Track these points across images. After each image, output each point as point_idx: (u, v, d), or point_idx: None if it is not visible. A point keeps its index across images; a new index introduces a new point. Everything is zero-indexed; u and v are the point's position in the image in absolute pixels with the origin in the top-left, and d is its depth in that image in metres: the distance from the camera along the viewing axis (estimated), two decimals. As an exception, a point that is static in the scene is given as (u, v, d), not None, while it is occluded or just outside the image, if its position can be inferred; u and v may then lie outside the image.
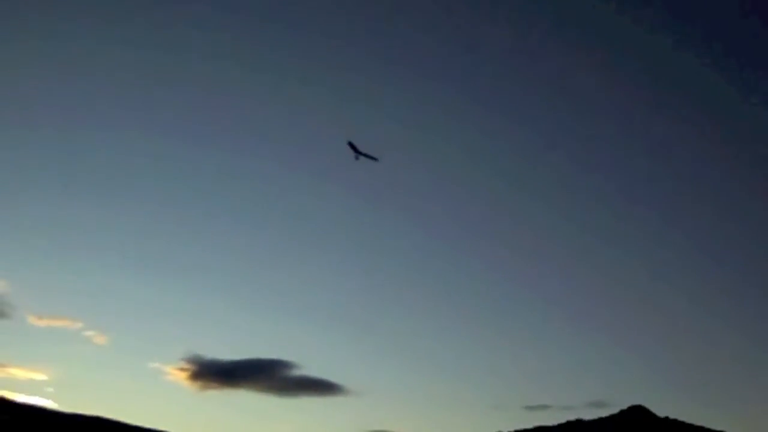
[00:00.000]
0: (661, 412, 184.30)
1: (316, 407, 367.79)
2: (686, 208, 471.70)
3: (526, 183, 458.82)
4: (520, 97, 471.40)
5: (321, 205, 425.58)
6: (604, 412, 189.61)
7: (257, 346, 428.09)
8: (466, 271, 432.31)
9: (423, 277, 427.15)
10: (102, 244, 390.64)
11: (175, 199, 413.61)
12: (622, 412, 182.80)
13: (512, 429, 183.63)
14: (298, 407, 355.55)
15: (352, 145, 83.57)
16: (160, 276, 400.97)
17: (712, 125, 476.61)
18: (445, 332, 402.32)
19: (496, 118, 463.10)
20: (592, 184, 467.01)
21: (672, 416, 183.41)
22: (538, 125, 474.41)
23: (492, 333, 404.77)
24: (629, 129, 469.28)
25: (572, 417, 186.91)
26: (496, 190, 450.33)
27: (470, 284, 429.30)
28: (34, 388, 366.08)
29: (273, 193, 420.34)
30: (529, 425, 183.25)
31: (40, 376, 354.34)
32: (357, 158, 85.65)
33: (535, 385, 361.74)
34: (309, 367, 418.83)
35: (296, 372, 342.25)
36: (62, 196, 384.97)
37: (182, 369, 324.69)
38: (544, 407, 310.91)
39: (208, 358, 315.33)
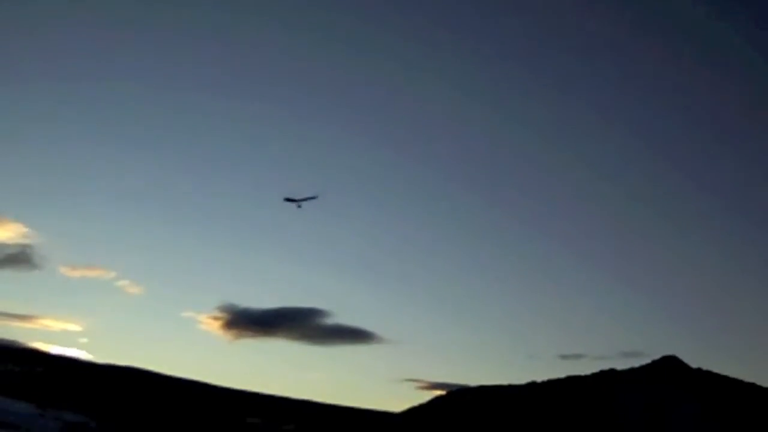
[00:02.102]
0: (693, 363, 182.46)
1: (349, 355, 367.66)
2: (723, 166, 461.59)
3: (563, 138, 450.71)
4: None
5: (352, 153, 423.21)
6: (637, 362, 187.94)
7: (291, 295, 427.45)
8: (501, 221, 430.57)
9: (458, 226, 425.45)
10: (134, 194, 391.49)
11: (205, 148, 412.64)
12: (654, 362, 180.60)
13: (546, 378, 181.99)
14: (331, 355, 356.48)
15: (289, 200, 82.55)
16: (194, 225, 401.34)
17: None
18: (480, 281, 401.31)
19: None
20: (637, 139, 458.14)
21: (705, 367, 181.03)
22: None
23: (527, 282, 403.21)
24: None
25: (605, 367, 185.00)
26: (528, 142, 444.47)
27: (506, 234, 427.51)
28: (68, 339, 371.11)
29: (306, 142, 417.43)
30: (563, 374, 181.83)
31: (73, 327, 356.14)
32: (299, 206, 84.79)
33: (570, 334, 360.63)
34: (342, 316, 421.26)
35: (330, 320, 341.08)
36: (95, 147, 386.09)
37: (216, 318, 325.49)
38: (578, 356, 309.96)
39: (241, 307, 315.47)
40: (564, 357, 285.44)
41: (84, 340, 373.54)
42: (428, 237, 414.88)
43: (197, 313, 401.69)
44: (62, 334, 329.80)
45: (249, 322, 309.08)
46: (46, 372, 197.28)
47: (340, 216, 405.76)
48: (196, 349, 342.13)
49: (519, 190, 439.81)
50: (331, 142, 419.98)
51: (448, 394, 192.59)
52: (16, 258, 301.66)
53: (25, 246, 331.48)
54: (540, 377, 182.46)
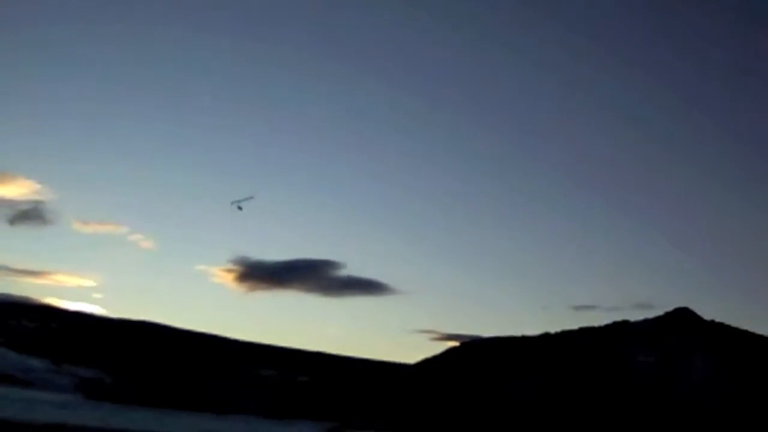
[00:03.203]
0: (707, 315, 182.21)
1: (362, 307, 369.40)
2: (738, 114, 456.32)
3: (573, 79, 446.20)
4: None
5: (364, 103, 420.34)
6: (650, 314, 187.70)
7: (304, 247, 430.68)
8: (515, 171, 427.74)
9: (470, 176, 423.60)
10: (146, 149, 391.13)
11: (215, 99, 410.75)
12: (667, 314, 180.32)
13: (559, 329, 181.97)
14: (344, 307, 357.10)
15: (239, 207, 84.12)
16: (206, 178, 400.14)
17: None
18: (494, 232, 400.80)
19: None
20: (654, 79, 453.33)
21: (718, 320, 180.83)
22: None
23: (541, 233, 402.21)
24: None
25: (618, 318, 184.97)
26: (544, 87, 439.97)
27: (519, 185, 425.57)
28: (82, 294, 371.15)
29: (318, 92, 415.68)
30: (576, 326, 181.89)
31: (86, 283, 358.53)
32: (240, 208, 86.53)
33: (583, 285, 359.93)
34: (356, 267, 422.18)
35: (343, 272, 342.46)
36: (106, 101, 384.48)
37: (229, 271, 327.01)
38: (591, 308, 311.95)
39: (254, 260, 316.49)
40: (577, 308, 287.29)
41: (98, 295, 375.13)
42: (440, 188, 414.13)
43: (210, 267, 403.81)
44: (76, 289, 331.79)
45: (262, 274, 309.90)
46: (59, 328, 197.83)
47: (352, 167, 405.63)
48: (210, 303, 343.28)
49: (531, 136, 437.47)
50: (335, 91, 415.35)
51: (462, 345, 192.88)
52: (28, 214, 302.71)
53: (37, 202, 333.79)
54: (553, 328, 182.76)
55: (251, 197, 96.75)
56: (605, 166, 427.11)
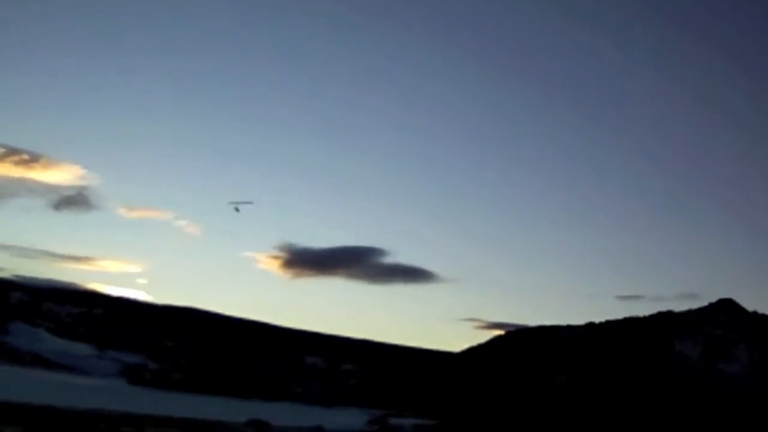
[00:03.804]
0: (750, 306, 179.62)
1: (408, 294, 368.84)
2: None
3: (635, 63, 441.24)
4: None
5: (411, 92, 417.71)
6: (694, 304, 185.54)
7: (350, 234, 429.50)
8: (561, 162, 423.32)
9: (517, 165, 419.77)
10: (191, 135, 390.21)
11: (262, 86, 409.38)
12: (711, 305, 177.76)
13: (604, 319, 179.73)
14: (390, 294, 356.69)
15: (236, 208, 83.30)
16: (253, 164, 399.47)
17: None
18: (540, 221, 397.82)
19: None
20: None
21: (761, 311, 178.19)
22: None
23: (587, 222, 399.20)
24: None
25: (663, 308, 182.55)
26: (588, 79, 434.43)
27: (566, 175, 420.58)
28: (127, 280, 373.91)
29: (367, 81, 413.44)
30: (620, 316, 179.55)
31: (132, 268, 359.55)
32: (237, 210, 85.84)
33: (628, 275, 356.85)
34: (401, 255, 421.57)
35: (389, 259, 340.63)
36: (151, 88, 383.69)
37: (275, 257, 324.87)
38: (636, 297, 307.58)
39: (300, 246, 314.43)
40: (622, 298, 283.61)
41: (143, 281, 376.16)
42: (487, 176, 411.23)
43: (256, 253, 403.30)
44: (121, 275, 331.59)
45: (308, 261, 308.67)
46: (104, 313, 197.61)
47: (399, 154, 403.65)
48: (255, 289, 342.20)
49: (575, 125, 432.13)
50: (385, 79, 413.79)
51: (507, 333, 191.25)
52: (73, 200, 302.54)
53: (82, 188, 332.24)
54: (598, 318, 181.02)
55: (250, 202, 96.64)
56: (651, 156, 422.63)
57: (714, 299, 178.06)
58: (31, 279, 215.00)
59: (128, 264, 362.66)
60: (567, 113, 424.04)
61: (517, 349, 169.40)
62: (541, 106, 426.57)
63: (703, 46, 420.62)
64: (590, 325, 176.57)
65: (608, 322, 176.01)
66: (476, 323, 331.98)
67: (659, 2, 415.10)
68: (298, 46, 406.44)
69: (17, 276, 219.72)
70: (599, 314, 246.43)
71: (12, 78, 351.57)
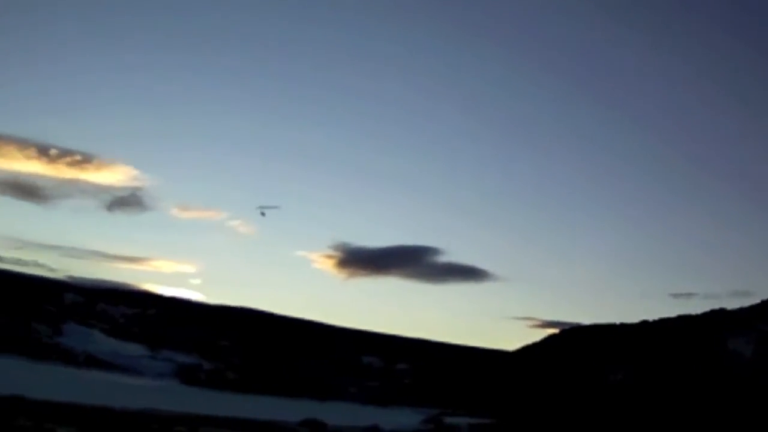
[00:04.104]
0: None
1: (462, 293, 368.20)
2: None
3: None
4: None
5: (465, 91, 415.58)
6: (747, 302, 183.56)
7: (404, 233, 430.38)
8: (611, 158, 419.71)
9: (569, 163, 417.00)
10: (244, 135, 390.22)
11: (317, 85, 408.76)
12: (763, 302, 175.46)
13: (657, 317, 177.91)
14: (444, 293, 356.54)
15: (263, 213, 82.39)
16: (306, 164, 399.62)
17: None
18: (593, 219, 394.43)
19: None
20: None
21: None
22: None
23: (640, 220, 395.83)
24: None
25: (716, 306, 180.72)
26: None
27: (618, 172, 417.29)
28: (180, 280, 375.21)
29: (418, 81, 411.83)
30: (673, 314, 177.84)
31: (185, 269, 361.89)
32: (263, 214, 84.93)
33: (681, 273, 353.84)
34: (456, 254, 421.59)
35: (443, 258, 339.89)
36: (203, 88, 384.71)
37: (329, 257, 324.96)
38: (689, 295, 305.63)
39: (355, 245, 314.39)
40: (675, 296, 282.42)
41: (196, 281, 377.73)
42: (540, 175, 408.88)
43: (310, 252, 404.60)
44: (174, 275, 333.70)
45: (362, 260, 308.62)
46: (158, 314, 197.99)
47: (452, 154, 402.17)
48: (310, 289, 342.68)
49: (630, 126, 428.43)
50: (437, 79, 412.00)
51: (562, 332, 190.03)
52: (126, 201, 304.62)
53: (135, 188, 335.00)
54: (651, 316, 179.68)
55: (277, 206, 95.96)
56: (704, 153, 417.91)
57: (767, 296, 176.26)
58: (85, 280, 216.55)
59: (182, 264, 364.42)
60: (617, 109, 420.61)
61: (572, 347, 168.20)
62: (592, 102, 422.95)
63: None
64: (644, 324, 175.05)
65: (661, 320, 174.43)
66: (531, 322, 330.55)
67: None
68: (351, 45, 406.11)
69: (70, 277, 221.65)
70: (652, 313, 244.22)
71: (63, 79, 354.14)
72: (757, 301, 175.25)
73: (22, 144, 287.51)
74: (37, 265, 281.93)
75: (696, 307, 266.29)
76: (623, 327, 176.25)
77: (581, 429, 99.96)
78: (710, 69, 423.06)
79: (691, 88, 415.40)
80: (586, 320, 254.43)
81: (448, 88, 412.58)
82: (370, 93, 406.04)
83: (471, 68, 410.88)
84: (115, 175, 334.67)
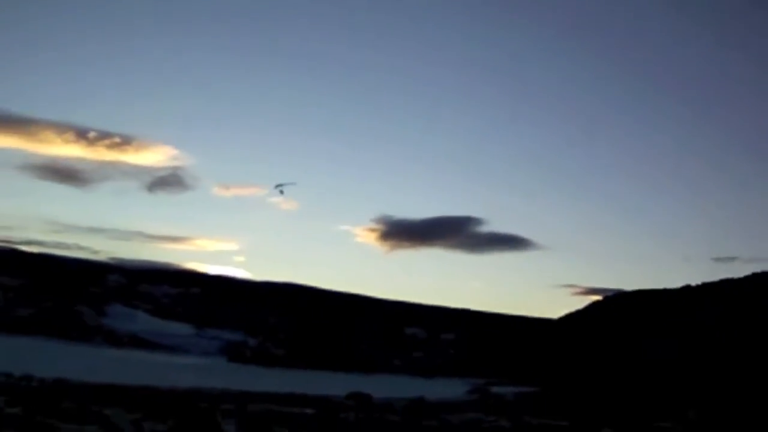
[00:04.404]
0: None
1: (505, 263, 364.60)
2: None
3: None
4: None
5: (503, 63, 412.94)
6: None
7: (446, 204, 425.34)
8: (648, 123, 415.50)
9: (608, 128, 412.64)
10: (281, 109, 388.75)
11: (355, 59, 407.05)
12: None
13: (700, 281, 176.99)
14: (487, 263, 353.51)
15: (281, 190, 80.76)
16: (347, 137, 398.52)
17: None
18: (634, 184, 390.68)
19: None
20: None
21: None
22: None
23: (681, 184, 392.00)
24: None
25: (758, 269, 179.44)
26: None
27: (657, 134, 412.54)
28: (224, 258, 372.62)
29: (456, 54, 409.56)
30: (716, 278, 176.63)
31: (228, 246, 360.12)
32: (282, 192, 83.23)
33: (724, 236, 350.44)
34: (498, 223, 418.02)
35: (485, 228, 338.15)
36: (239, 64, 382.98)
37: (372, 230, 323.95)
38: (732, 259, 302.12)
39: (397, 218, 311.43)
40: (718, 260, 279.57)
41: (240, 258, 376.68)
42: (581, 141, 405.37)
43: (353, 226, 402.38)
44: (217, 253, 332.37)
45: (405, 232, 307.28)
46: (202, 292, 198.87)
47: (492, 123, 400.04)
48: (353, 262, 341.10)
49: (670, 88, 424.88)
50: (474, 48, 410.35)
51: (605, 299, 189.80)
52: (167, 181, 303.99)
53: (176, 168, 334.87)
54: (694, 281, 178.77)
55: (294, 183, 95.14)
56: (743, 115, 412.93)
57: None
58: (128, 261, 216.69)
59: (225, 242, 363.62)
60: (657, 79, 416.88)
61: (615, 314, 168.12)
62: (634, 72, 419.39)
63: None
64: (686, 288, 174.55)
65: (704, 285, 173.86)
66: (574, 289, 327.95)
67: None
68: (388, 22, 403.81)
69: (113, 258, 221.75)
70: (695, 277, 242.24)
71: (101, 62, 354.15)
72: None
73: (61, 128, 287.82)
74: (79, 248, 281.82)
75: (738, 270, 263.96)
76: (666, 292, 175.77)
77: (625, 395, 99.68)
78: None
79: (735, 50, 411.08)
80: (629, 286, 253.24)
81: (487, 58, 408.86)
82: (409, 68, 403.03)
83: (508, 40, 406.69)
84: (154, 156, 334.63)
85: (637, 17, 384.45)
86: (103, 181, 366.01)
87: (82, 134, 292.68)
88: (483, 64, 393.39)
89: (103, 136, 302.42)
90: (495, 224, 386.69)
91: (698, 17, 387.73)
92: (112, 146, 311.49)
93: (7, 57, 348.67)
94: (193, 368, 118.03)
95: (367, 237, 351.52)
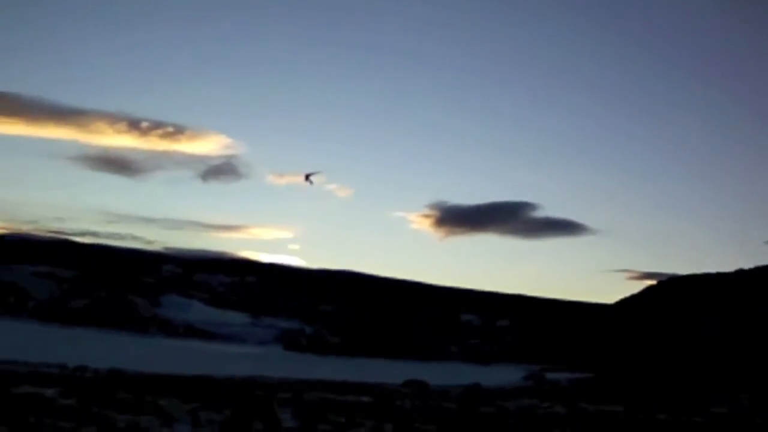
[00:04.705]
0: None
1: (559, 248, 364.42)
2: None
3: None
4: None
5: (556, 49, 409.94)
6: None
7: (500, 189, 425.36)
8: (702, 108, 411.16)
9: (663, 113, 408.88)
10: (338, 97, 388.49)
11: (409, 46, 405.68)
12: None
13: (752, 265, 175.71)
14: (541, 248, 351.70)
15: (308, 177, 79.33)
16: (400, 124, 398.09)
17: None
18: (687, 169, 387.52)
19: None
20: None
21: None
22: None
23: (734, 168, 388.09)
24: None
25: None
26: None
27: (709, 120, 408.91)
28: (279, 246, 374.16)
29: (511, 38, 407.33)
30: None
31: (283, 234, 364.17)
32: (312, 183, 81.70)
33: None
34: (552, 208, 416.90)
35: (539, 213, 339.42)
36: (292, 53, 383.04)
37: (426, 216, 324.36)
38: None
39: (451, 204, 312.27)
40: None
41: (295, 246, 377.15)
42: (635, 126, 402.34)
43: (407, 213, 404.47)
44: (272, 242, 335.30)
45: (459, 218, 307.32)
46: (258, 281, 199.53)
47: (545, 107, 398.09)
48: (408, 249, 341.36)
49: (726, 74, 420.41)
50: (530, 32, 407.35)
51: (659, 283, 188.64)
52: (221, 169, 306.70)
53: (229, 157, 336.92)
54: (747, 264, 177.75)
55: (320, 171, 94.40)
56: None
57: None
58: (182, 250, 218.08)
59: (280, 230, 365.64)
60: (718, 60, 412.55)
61: (669, 298, 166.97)
62: (690, 52, 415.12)
63: None
64: (740, 272, 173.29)
65: (757, 269, 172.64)
66: (628, 274, 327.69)
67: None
68: (440, 10, 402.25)
69: (168, 248, 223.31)
70: (748, 261, 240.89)
71: (151, 52, 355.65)
72: None
73: (113, 118, 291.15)
74: (133, 238, 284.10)
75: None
76: (719, 276, 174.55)
77: (679, 381, 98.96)
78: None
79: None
80: (683, 270, 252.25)
81: (539, 44, 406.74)
82: (462, 54, 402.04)
83: (560, 26, 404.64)
84: (208, 145, 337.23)
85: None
86: (156, 171, 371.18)
87: (134, 124, 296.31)
88: (535, 50, 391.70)
89: (155, 126, 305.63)
90: (549, 209, 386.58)
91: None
92: (165, 136, 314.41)
93: (59, 49, 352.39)
94: (249, 357, 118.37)
95: (421, 223, 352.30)
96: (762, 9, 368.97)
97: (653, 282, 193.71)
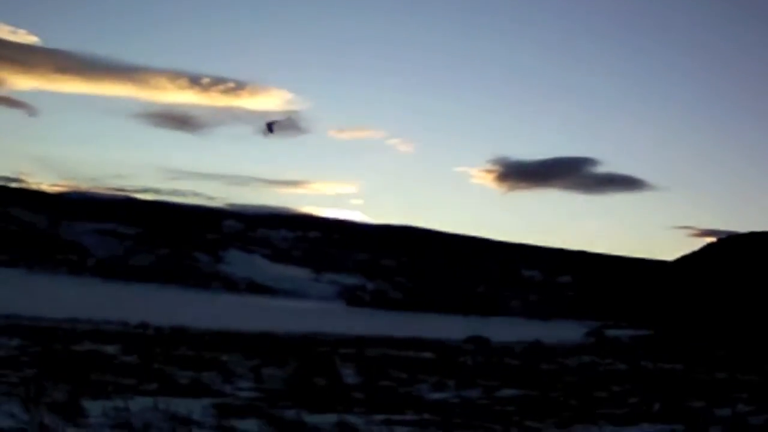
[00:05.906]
0: None
1: (621, 204, 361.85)
2: None
3: None
4: None
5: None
6: None
7: (562, 144, 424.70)
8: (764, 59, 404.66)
9: (726, 69, 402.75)
10: (399, 52, 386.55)
11: (479, 3, 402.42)
12: None
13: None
14: (603, 204, 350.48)
15: (270, 127, 75.58)
16: (462, 78, 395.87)
17: None
18: (750, 124, 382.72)
19: None
20: None
21: None
22: None
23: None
24: None
25: None
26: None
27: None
28: (341, 201, 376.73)
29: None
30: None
31: (346, 189, 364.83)
32: (272, 130, 77.48)
33: None
34: (614, 164, 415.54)
35: (601, 169, 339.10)
36: (356, 10, 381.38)
37: (488, 171, 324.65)
38: None
39: (513, 159, 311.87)
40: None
41: (357, 201, 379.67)
42: (697, 82, 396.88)
43: (470, 168, 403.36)
44: (335, 197, 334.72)
45: (521, 173, 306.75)
46: (320, 236, 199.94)
47: (607, 62, 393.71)
48: (470, 204, 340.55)
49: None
50: None
51: (719, 241, 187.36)
52: (283, 125, 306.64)
53: (291, 112, 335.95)
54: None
55: (289, 117, 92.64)
56: None
57: None
58: (244, 206, 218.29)
59: (342, 185, 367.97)
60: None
61: (729, 256, 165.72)
62: (746, 9, 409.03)
63: None
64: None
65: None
66: (690, 231, 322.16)
67: None
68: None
69: (229, 204, 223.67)
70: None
71: (213, 8, 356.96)
72: None
73: (174, 75, 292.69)
74: (194, 194, 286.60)
75: None
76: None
77: (739, 340, 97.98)
78: None
79: None
80: (744, 228, 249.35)
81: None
82: (524, 10, 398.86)
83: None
84: (269, 100, 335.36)
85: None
86: (218, 127, 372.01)
87: (195, 81, 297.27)
88: (604, 4, 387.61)
89: (216, 82, 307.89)
90: (611, 165, 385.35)
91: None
92: (226, 92, 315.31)
93: (119, 7, 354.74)
94: (311, 313, 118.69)
95: (483, 178, 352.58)
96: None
97: (713, 239, 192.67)
